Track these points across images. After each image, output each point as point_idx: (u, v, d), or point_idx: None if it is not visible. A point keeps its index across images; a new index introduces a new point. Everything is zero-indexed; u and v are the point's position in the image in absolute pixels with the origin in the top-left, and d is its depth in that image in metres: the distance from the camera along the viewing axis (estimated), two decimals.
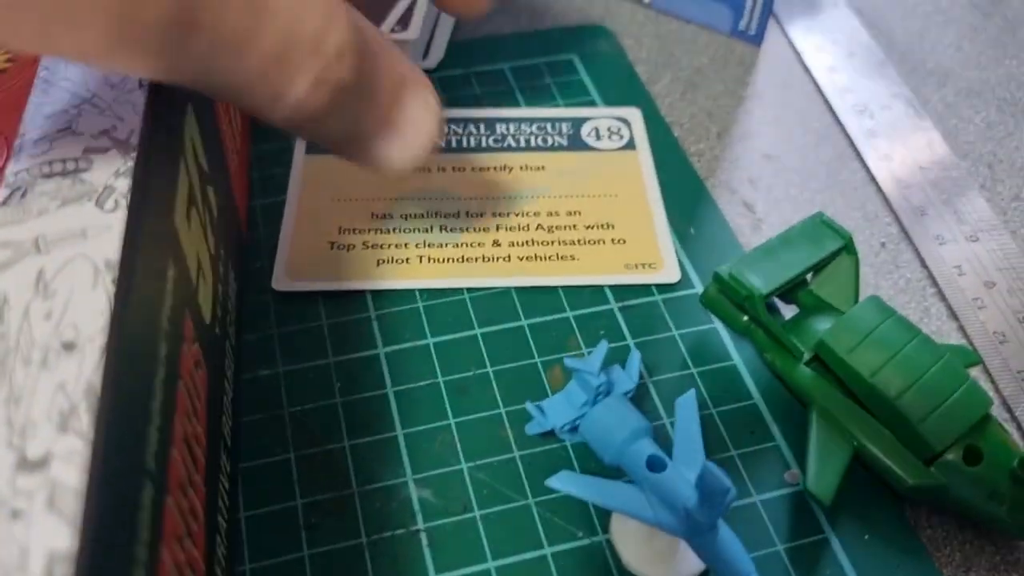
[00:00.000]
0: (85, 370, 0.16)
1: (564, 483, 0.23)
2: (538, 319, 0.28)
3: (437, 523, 0.24)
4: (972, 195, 0.33)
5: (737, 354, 0.28)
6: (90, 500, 0.14)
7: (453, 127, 0.34)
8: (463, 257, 0.29)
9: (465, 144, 0.33)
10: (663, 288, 0.29)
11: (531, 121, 0.34)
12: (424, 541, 0.23)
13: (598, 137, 0.34)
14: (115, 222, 0.18)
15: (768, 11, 0.38)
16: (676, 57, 0.38)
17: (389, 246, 0.29)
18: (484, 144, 0.33)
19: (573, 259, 0.30)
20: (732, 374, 0.27)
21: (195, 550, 0.19)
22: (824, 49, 0.39)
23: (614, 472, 0.24)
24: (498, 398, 0.26)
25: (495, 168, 0.32)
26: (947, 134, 0.36)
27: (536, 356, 0.27)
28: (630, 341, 0.28)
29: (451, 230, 0.30)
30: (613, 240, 0.30)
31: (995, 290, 0.30)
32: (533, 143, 0.33)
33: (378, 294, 0.29)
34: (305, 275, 0.29)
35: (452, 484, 0.24)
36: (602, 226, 0.31)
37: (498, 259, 0.29)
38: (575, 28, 0.39)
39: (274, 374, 0.27)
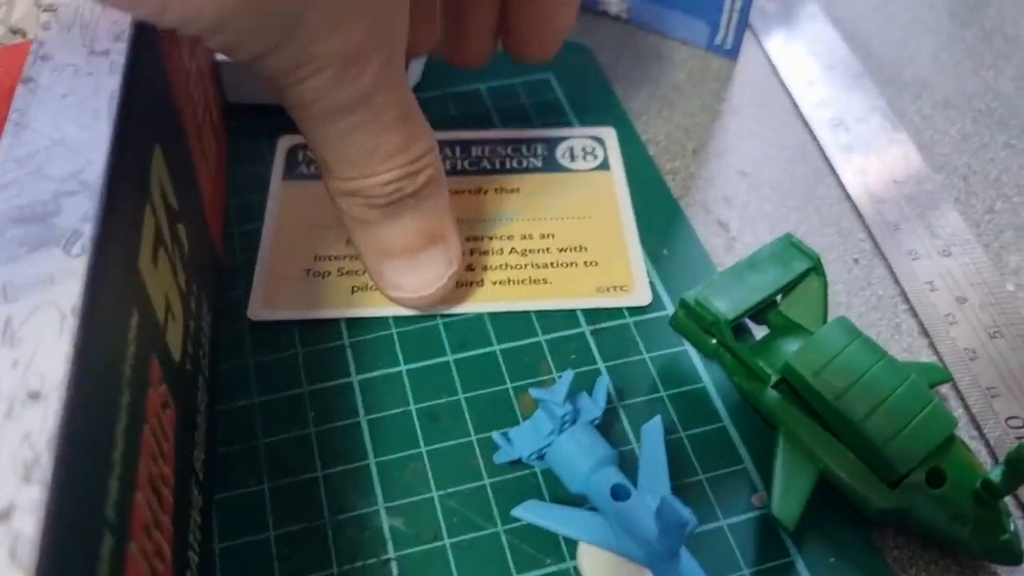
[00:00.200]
0: (49, 420, 0.16)
1: (530, 513, 0.23)
2: (510, 344, 0.28)
3: (408, 552, 0.24)
4: (946, 208, 0.33)
5: (707, 376, 0.28)
6: (46, 552, 0.14)
7: None
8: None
9: None
10: (634, 311, 0.29)
11: (506, 143, 0.34)
12: (395, 570, 0.24)
13: (572, 158, 0.34)
14: (81, 268, 0.18)
15: (743, 25, 0.38)
16: (653, 73, 0.38)
17: (363, 272, 0.30)
18: (460, 167, 0.33)
19: (546, 283, 0.30)
20: (702, 396, 0.27)
21: None
22: (801, 62, 0.39)
23: (581, 500, 0.24)
24: (469, 425, 0.27)
25: (470, 191, 0.33)
26: (923, 146, 0.36)
27: (508, 382, 0.28)
28: (601, 365, 0.28)
29: None
30: (586, 263, 0.31)
31: (967, 305, 0.30)
32: (508, 165, 0.34)
33: (352, 321, 0.29)
34: (280, 304, 0.29)
35: (423, 512, 0.25)
36: (575, 248, 0.31)
37: (472, 284, 0.30)
38: None
39: (249, 404, 0.27)
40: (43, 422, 0.16)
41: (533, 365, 0.28)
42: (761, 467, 0.26)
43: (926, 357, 0.29)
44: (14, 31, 0.31)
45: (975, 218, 0.33)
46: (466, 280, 0.30)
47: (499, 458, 0.25)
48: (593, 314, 0.29)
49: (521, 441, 0.25)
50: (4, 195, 0.20)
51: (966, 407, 0.28)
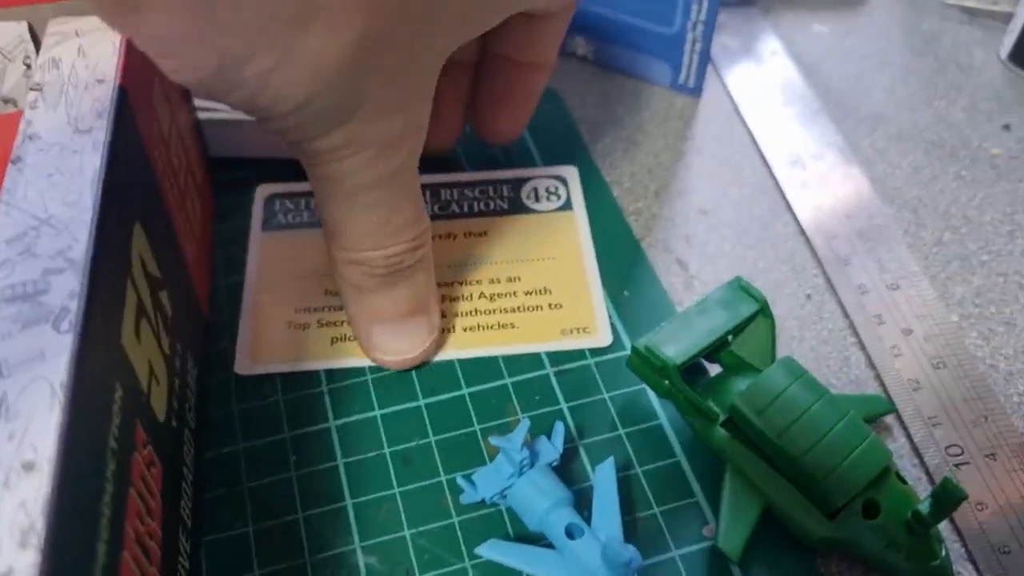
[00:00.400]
0: (43, 488, 0.18)
1: (492, 551, 0.25)
2: (478, 387, 0.30)
3: None
4: (895, 242, 0.35)
5: (663, 414, 0.30)
6: None
7: None
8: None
9: None
10: (596, 352, 0.31)
11: (473, 186, 0.36)
12: None
13: (537, 198, 0.36)
14: (69, 344, 0.20)
15: (705, 65, 0.40)
16: (619, 114, 0.40)
17: (341, 323, 0.32)
18: (431, 212, 0.35)
19: (513, 327, 0.32)
20: (658, 434, 0.29)
21: None
22: (761, 99, 0.41)
23: (541, 537, 0.26)
24: (440, 467, 0.28)
25: (440, 236, 0.35)
26: (875, 180, 0.38)
27: (476, 424, 0.29)
28: (564, 405, 0.30)
29: None
30: (550, 305, 0.32)
31: (912, 337, 0.32)
32: (476, 208, 0.36)
33: (331, 369, 0.31)
34: (266, 359, 0.31)
35: (396, 550, 0.27)
36: (540, 291, 0.33)
37: (445, 331, 0.32)
38: None
39: (234, 451, 0.29)
40: (37, 491, 0.18)
41: (500, 407, 0.30)
42: (712, 500, 0.28)
43: (872, 388, 0.31)
44: (5, 100, 0.33)
45: (923, 250, 0.35)
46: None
47: (464, 499, 0.27)
48: (556, 356, 0.31)
49: (484, 483, 0.26)
50: None
51: (908, 436, 0.30)
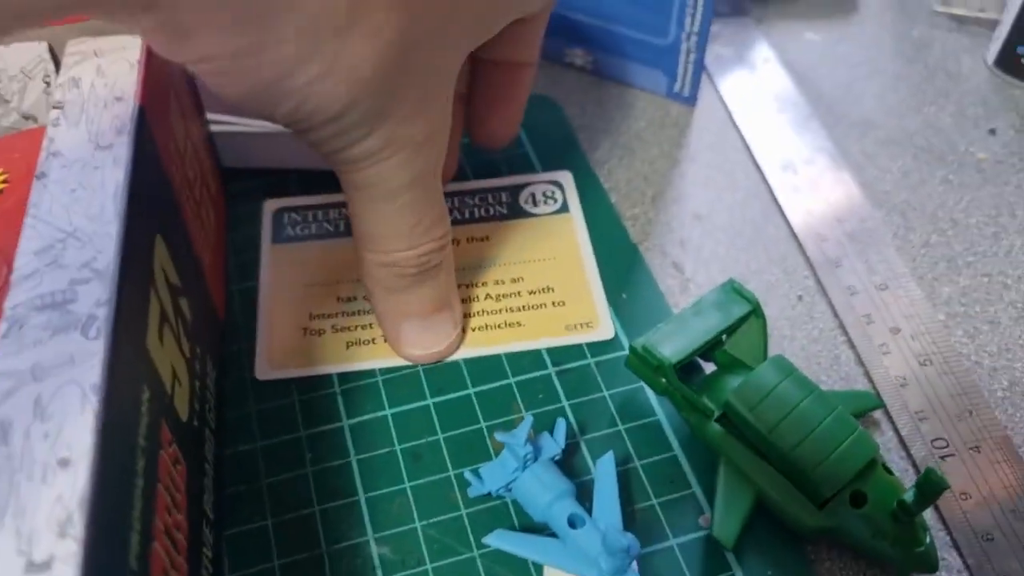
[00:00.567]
0: (78, 483, 0.19)
1: (498, 540, 0.27)
2: (484, 386, 0.32)
3: None
4: (884, 244, 0.36)
5: (661, 410, 0.31)
6: None
7: None
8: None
9: None
10: (596, 351, 0.33)
11: (473, 193, 0.38)
12: None
13: (534, 203, 0.37)
14: (98, 349, 0.22)
15: (699, 75, 0.41)
16: (616, 122, 0.42)
17: (355, 328, 0.33)
18: None
19: (519, 324, 0.33)
20: (656, 429, 0.31)
21: None
22: (755, 106, 0.42)
23: (545, 527, 0.28)
24: (448, 462, 0.30)
25: None
26: (865, 184, 0.39)
27: (482, 421, 0.31)
28: (565, 403, 0.31)
29: None
30: (553, 303, 0.34)
31: (900, 336, 0.34)
32: (477, 214, 0.37)
33: (344, 372, 0.32)
34: (283, 364, 0.32)
35: (408, 541, 0.28)
36: (543, 290, 0.34)
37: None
38: None
39: (253, 449, 0.30)
40: (73, 485, 0.19)
41: (505, 405, 0.31)
42: (708, 492, 0.29)
43: (861, 385, 0.32)
44: (26, 117, 0.35)
45: (911, 252, 0.37)
46: None
47: (471, 492, 0.28)
48: (558, 355, 0.33)
49: (490, 477, 0.28)
50: (27, 285, 0.23)
51: (896, 430, 0.31)
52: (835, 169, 0.39)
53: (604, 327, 0.33)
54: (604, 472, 0.28)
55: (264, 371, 0.32)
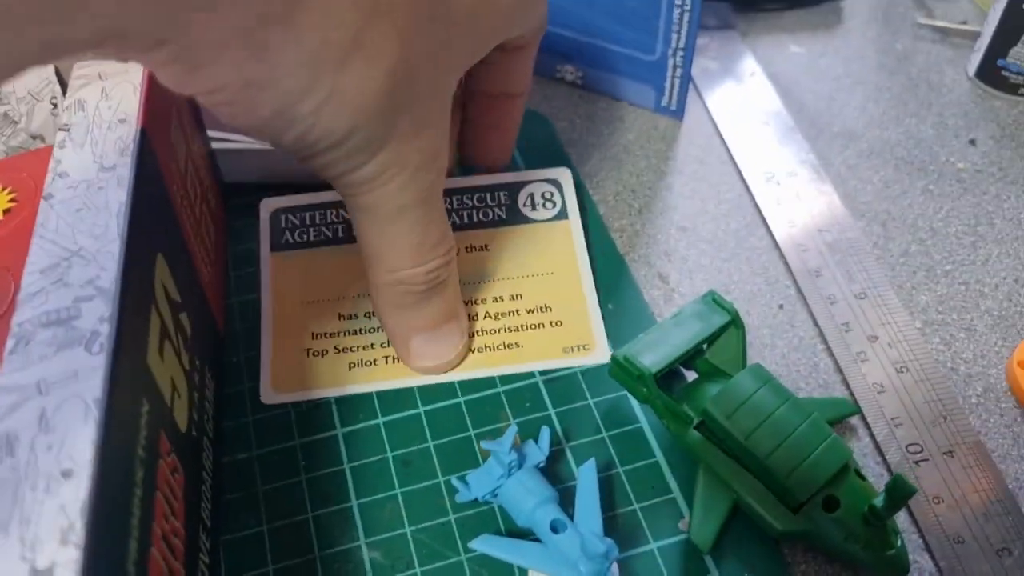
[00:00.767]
0: (80, 493, 0.20)
1: (484, 545, 0.28)
2: (473, 395, 0.33)
3: None
4: (864, 254, 0.38)
5: (644, 418, 0.32)
6: None
7: None
8: (413, 369, 0.34)
9: None
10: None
11: (472, 192, 0.38)
12: None
13: (533, 206, 0.38)
14: (101, 364, 0.23)
15: (686, 89, 0.42)
16: (605, 136, 0.43)
17: (357, 348, 0.34)
18: None
19: (518, 346, 0.34)
20: (638, 436, 0.32)
21: None
22: (740, 119, 0.43)
23: (529, 532, 0.29)
24: (437, 469, 0.31)
25: None
26: (846, 195, 0.40)
27: (471, 429, 0.32)
28: (552, 411, 0.32)
29: None
30: (551, 323, 0.35)
31: (877, 343, 0.35)
32: (476, 218, 0.37)
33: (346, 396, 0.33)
34: (288, 388, 0.33)
35: (398, 545, 0.29)
36: (541, 309, 0.35)
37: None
38: None
39: (249, 457, 0.31)
40: (75, 495, 0.20)
41: (493, 414, 0.32)
42: (688, 497, 0.30)
43: (839, 392, 0.34)
44: (34, 136, 0.36)
45: (890, 261, 0.38)
46: None
47: (459, 498, 0.30)
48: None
49: (477, 484, 0.29)
50: (34, 303, 0.24)
51: (872, 436, 0.32)
52: (817, 181, 0.40)
53: (600, 350, 0.34)
54: (586, 478, 0.29)
55: (268, 396, 0.33)
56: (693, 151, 0.42)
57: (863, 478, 0.29)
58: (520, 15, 0.30)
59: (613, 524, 0.29)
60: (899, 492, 0.27)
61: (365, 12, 0.24)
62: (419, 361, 0.33)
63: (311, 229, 0.37)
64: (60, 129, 0.29)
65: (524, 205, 0.38)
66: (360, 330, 0.35)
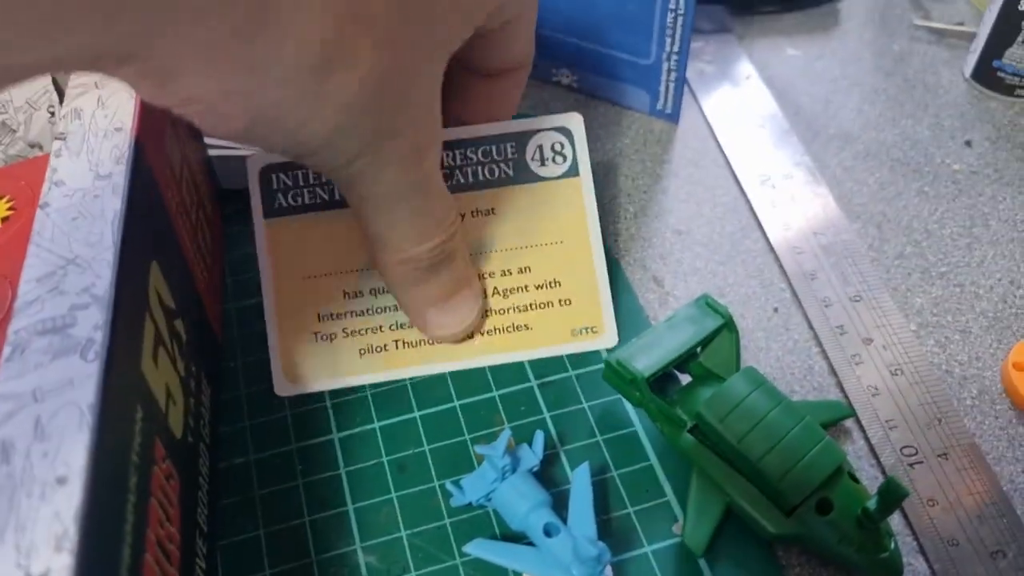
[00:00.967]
0: (74, 499, 0.21)
1: (478, 549, 0.28)
2: (468, 399, 0.33)
3: None
4: (859, 256, 0.38)
5: (638, 421, 0.32)
6: None
7: None
8: (432, 340, 0.34)
9: None
10: (577, 364, 0.34)
11: (476, 144, 0.35)
12: None
13: (543, 161, 0.35)
14: (95, 372, 0.23)
15: (680, 93, 0.42)
16: (601, 140, 0.43)
17: (366, 331, 0.34)
18: None
19: (527, 328, 0.34)
20: (633, 439, 0.32)
21: None
22: (735, 122, 0.44)
23: (523, 535, 0.29)
24: (433, 473, 0.31)
25: None
26: (842, 198, 0.40)
27: (466, 433, 0.32)
28: (546, 414, 0.32)
29: None
30: (560, 301, 0.34)
31: (872, 346, 0.35)
32: (481, 176, 0.35)
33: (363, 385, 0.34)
34: (302, 378, 0.33)
35: (393, 550, 0.29)
36: (550, 284, 0.34)
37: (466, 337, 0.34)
38: None
39: (246, 462, 0.32)
40: (69, 502, 0.21)
41: (488, 418, 0.32)
42: (682, 500, 0.30)
43: (834, 395, 0.34)
44: (32, 145, 0.37)
45: (886, 263, 0.38)
46: None
47: (454, 502, 0.30)
48: (541, 367, 0.34)
49: (471, 488, 0.29)
50: (30, 311, 0.25)
51: (866, 438, 0.32)
52: (813, 183, 0.41)
53: (609, 333, 0.34)
54: (579, 482, 0.29)
55: (283, 387, 0.33)
56: (689, 154, 0.42)
57: (857, 481, 0.29)
58: None
59: (607, 527, 0.30)
60: (892, 495, 0.27)
61: (341, 15, 0.24)
62: (437, 331, 0.33)
63: (305, 191, 0.34)
64: (56, 138, 0.29)
65: (532, 159, 0.35)
66: (367, 310, 0.34)
